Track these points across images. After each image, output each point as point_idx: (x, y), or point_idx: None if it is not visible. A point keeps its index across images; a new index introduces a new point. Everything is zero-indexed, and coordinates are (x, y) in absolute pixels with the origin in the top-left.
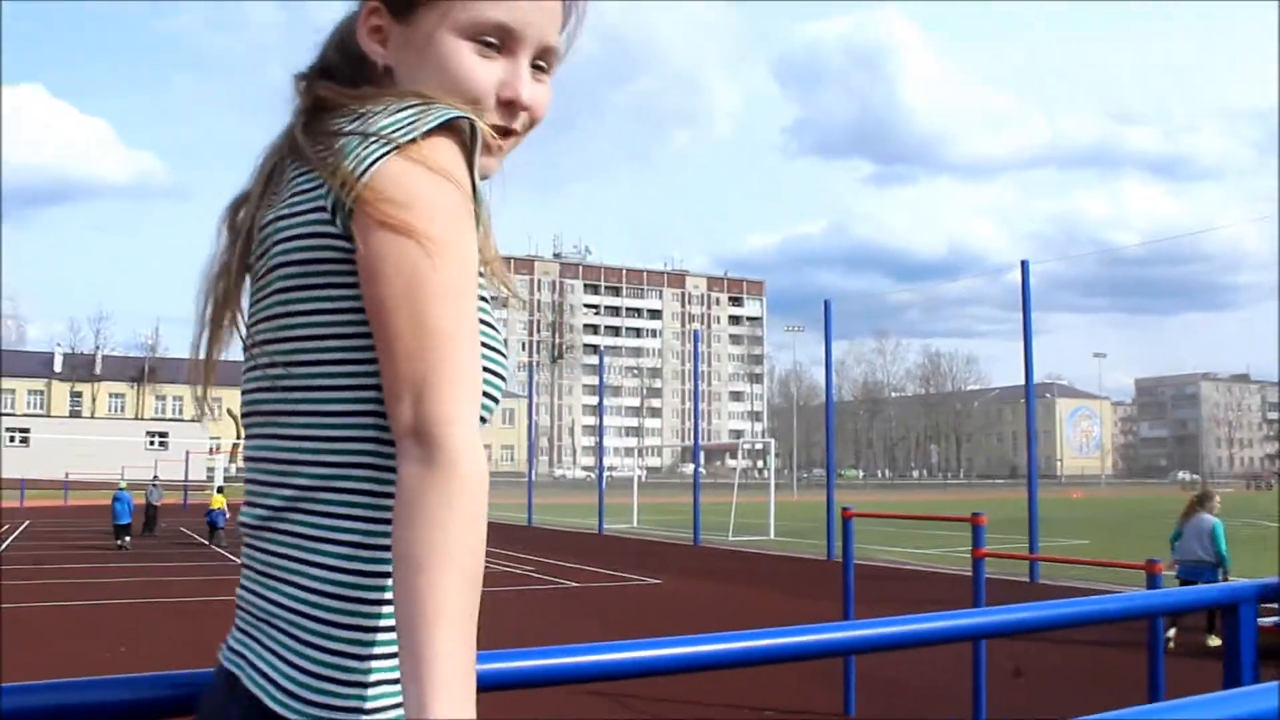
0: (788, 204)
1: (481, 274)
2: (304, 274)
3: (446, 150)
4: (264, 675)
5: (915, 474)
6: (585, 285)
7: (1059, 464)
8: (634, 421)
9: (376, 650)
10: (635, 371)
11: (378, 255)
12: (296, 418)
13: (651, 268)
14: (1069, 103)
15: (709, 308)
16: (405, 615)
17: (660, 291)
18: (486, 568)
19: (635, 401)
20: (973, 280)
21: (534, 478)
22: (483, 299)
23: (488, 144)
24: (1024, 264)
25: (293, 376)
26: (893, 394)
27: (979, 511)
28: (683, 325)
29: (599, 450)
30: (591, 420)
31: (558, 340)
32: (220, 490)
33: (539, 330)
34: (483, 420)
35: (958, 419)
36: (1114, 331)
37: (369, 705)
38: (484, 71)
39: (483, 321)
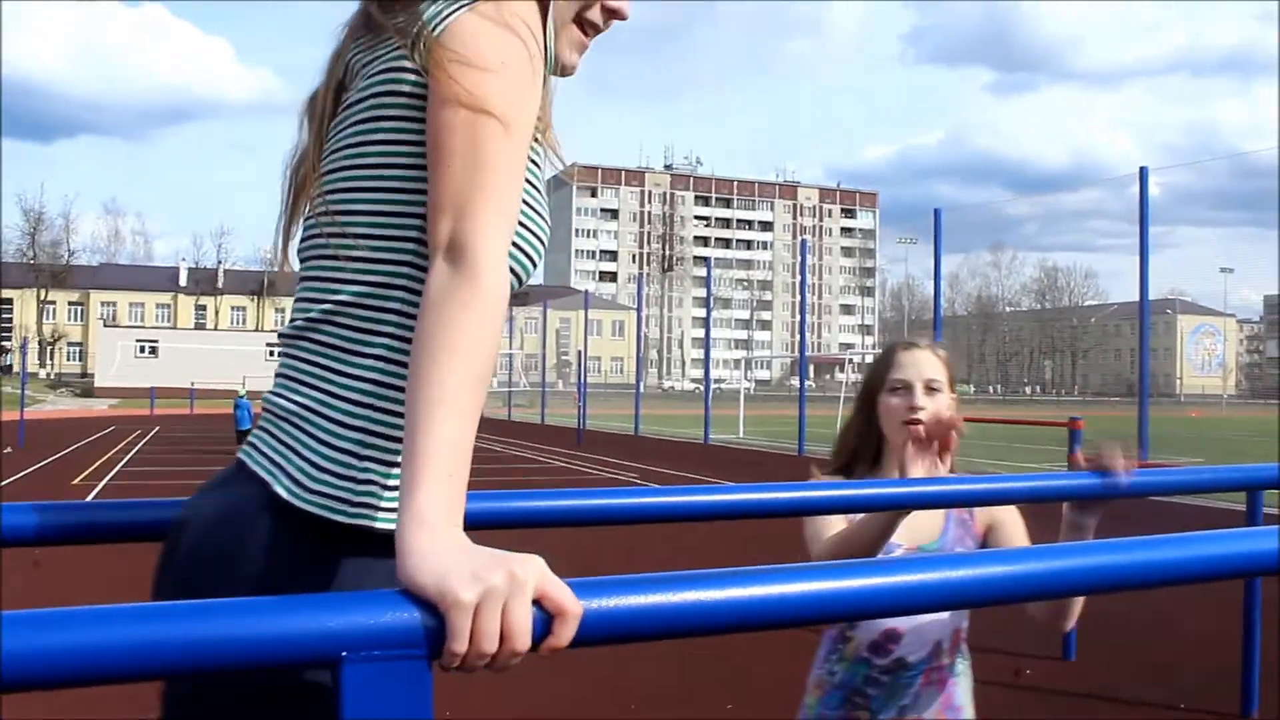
0: (904, 114)
1: (537, 140)
2: (377, 105)
3: (520, 5)
4: (273, 462)
5: (1029, 390)
6: (696, 197)
7: (1178, 382)
8: (743, 334)
9: (377, 455)
10: (745, 284)
11: (444, 92)
12: (345, 239)
13: (764, 179)
14: (1207, 3)
15: (820, 219)
16: (412, 399)
17: (772, 203)
18: (588, 473)
19: (745, 314)
20: (1093, 191)
21: (643, 389)
22: (534, 164)
23: (582, 40)
24: (1142, 171)
25: (348, 200)
26: (1007, 308)
27: (1077, 418)
28: (794, 237)
29: (706, 362)
30: (701, 333)
31: (668, 252)
32: None
33: (649, 242)
34: (518, 278)
35: (1074, 335)
36: (1245, 246)
37: (355, 499)
38: None
39: (530, 183)
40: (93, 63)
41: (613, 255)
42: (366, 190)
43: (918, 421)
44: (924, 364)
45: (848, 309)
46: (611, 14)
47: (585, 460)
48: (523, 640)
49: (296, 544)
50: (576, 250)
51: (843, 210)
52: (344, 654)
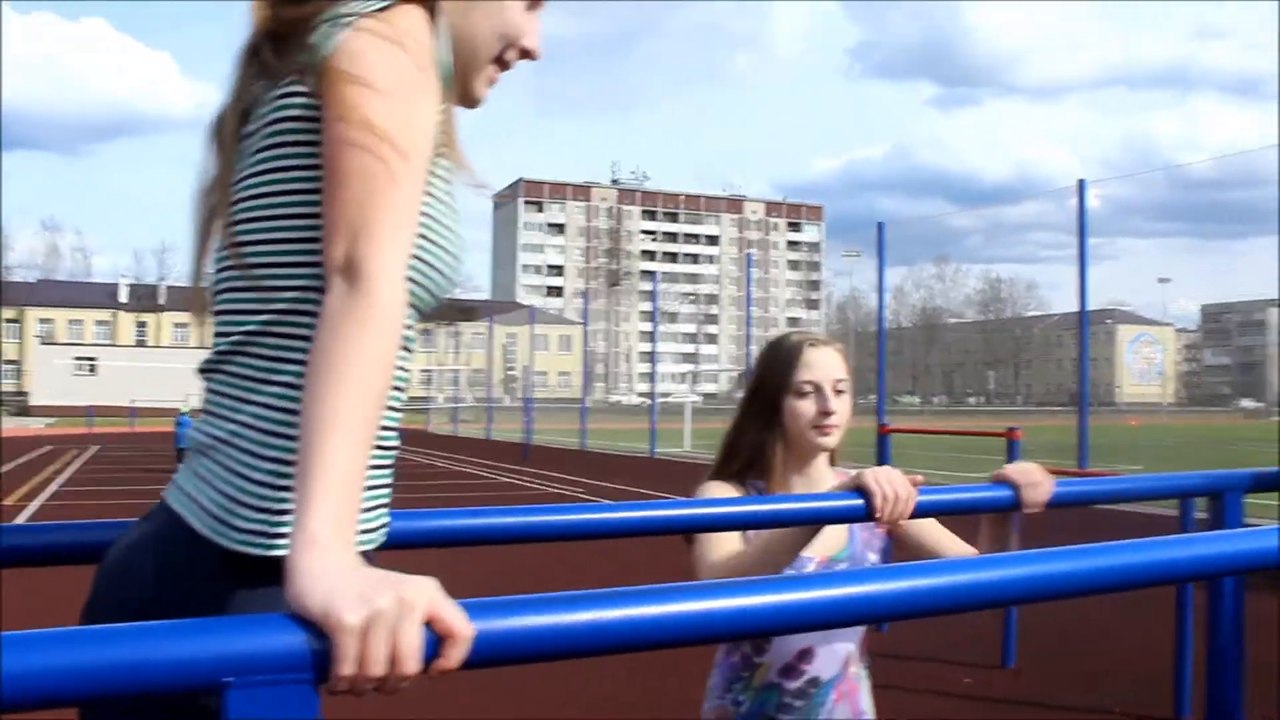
0: (849, 128)
1: (444, 166)
2: (273, 132)
3: (407, 18)
4: (189, 496)
5: (973, 400)
6: (643, 211)
7: (1118, 391)
8: (690, 347)
9: (294, 485)
10: (692, 297)
11: (335, 113)
12: (249, 270)
13: (710, 193)
14: (1145, 18)
15: (767, 233)
16: (305, 419)
17: (718, 217)
18: (533, 489)
19: (692, 328)
20: (1035, 204)
21: (590, 404)
22: (439, 179)
23: (495, 77)
24: (1081, 184)
25: (250, 231)
26: (952, 320)
27: (1015, 428)
28: (740, 250)
29: (652, 375)
30: (648, 346)
31: (614, 267)
32: None
33: (596, 257)
34: (431, 295)
35: (1017, 345)
36: (1182, 257)
37: (273, 531)
38: (527, 23)
39: (436, 198)
40: (30, 77)
41: (559, 270)
42: (267, 219)
43: (830, 427)
44: (832, 364)
45: (794, 322)
46: (525, 54)
47: (531, 475)
48: (411, 663)
49: (212, 578)
50: (523, 265)
51: (789, 224)
52: (228, 679)
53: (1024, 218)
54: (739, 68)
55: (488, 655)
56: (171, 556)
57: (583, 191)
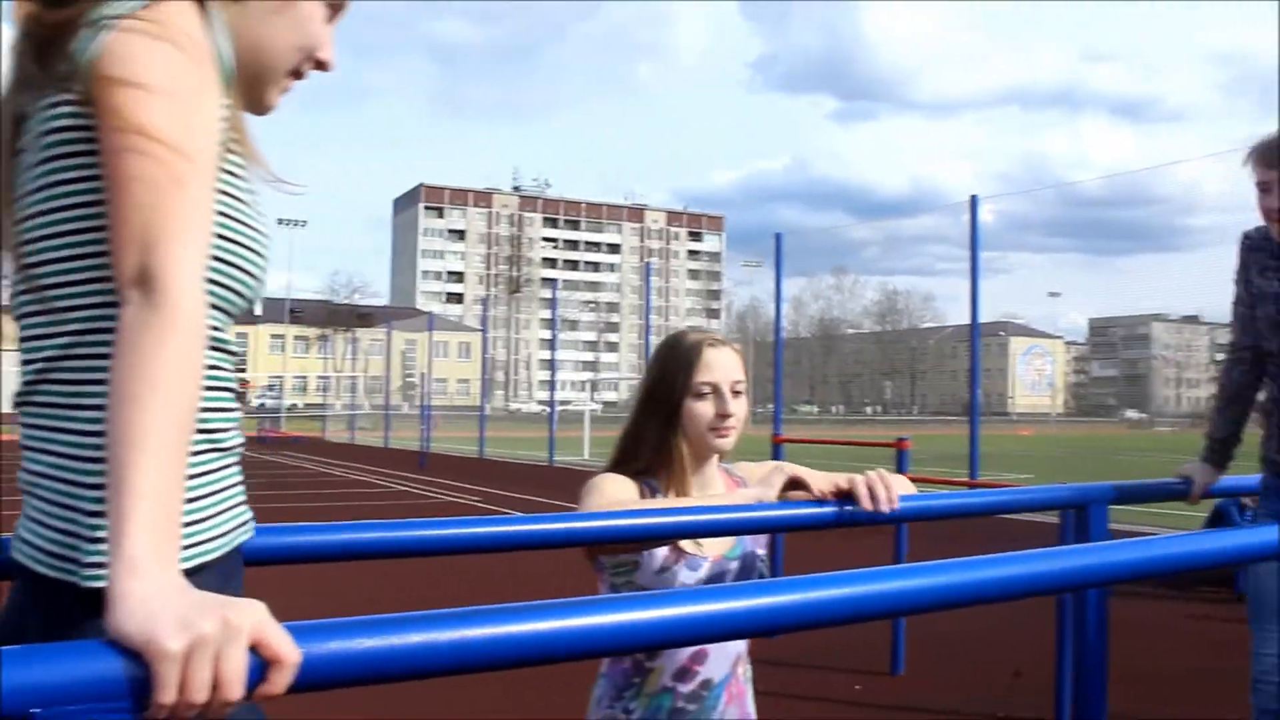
0: (750, 139)
1: (237, 163)
2: (46, 146)
3: (177, 14)
4: (30, 544)
5: (870, 410)
6: (544, 219)
7: (1010, 401)
8: (591, 355)
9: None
10: (593, 306)
11: (110, 120)
12: (41, 293)
13: (612, 202)
14: (1037, 40)
15: (668, 242)
16: (113, 441)
17: (620, 226)
18: (430, 498)
19: (592, 336)
20: (931, 218)
21: (488, 411)
22: (233, 176)
23: (288, 86)
24: (973, 199)
25: (37, 251)
26: (849, 330)
27: (904, 438)
28: (642, 260)
29: (551, 383)
30: (548, 354)
31: (515, 274)
32: None
33: (497, 264)
34: (241, 297)
35: (913, 356)
36: (1072, 272)
37: (105, 561)
38: (325, 34)
39: (233, 197)
40: None
41: (460, 277)
42: (51, 237)
43: (728, 429)
44: (730, 364)
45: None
46: (320, 65)
47: (428, 484)
48: (235, 689)
49: (77, 622)
50: (423, 271)
51: (690, 233)
52: (35, 710)
53: (921, 231)
54: (642, 77)
55: (315, 679)
56: (34, 613)
57: (484, 198)
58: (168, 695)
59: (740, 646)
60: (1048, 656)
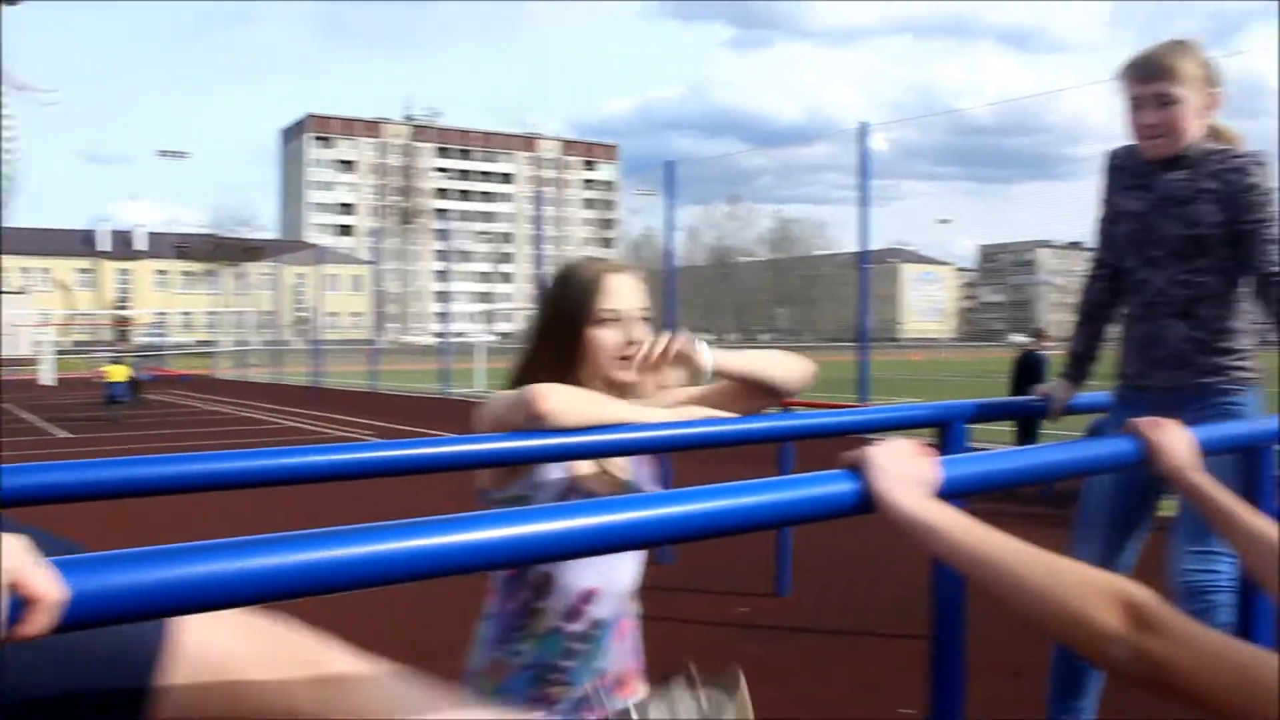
0: (645, 68)
1: None
2: None
3: None
4: None
5: (765, 337)
6: (436, 149)
7: (901, 327)
8: (486, 287)
9: None
10: (487, 236)
11: None
12: None
13: (505, 131)
14: None
15: (562, 171)
16: None
17: (513, 155)
18: (320, 432)
19: (487, 267)
20: (826, 146)
21: (382, 344)
22: None
23: None
24: (863, 126)
25: None
26: (744, 259)
27: None
28: (536, 189)
29: (445, 315)
30: (443, 286)
31: (407, 205)
32: (117, 362)
33: (388, 195)
34: None
35: (807, 283)
36: (962, 200)
37: None
38: None
39: None
40: None
41: (350, 208)
42: None
43: (633, 357)
44: (634, 291)
45: None
46: None
47: (319, 419)
48: None
49: None
50: (311, 203)
51: (584, 162)
52: None
53: (816, 159)
54: (535, 5)
55: (84, 616)
56: None
57: (374, 128)
58: None
59: (627, 583)
60: (916, 574)
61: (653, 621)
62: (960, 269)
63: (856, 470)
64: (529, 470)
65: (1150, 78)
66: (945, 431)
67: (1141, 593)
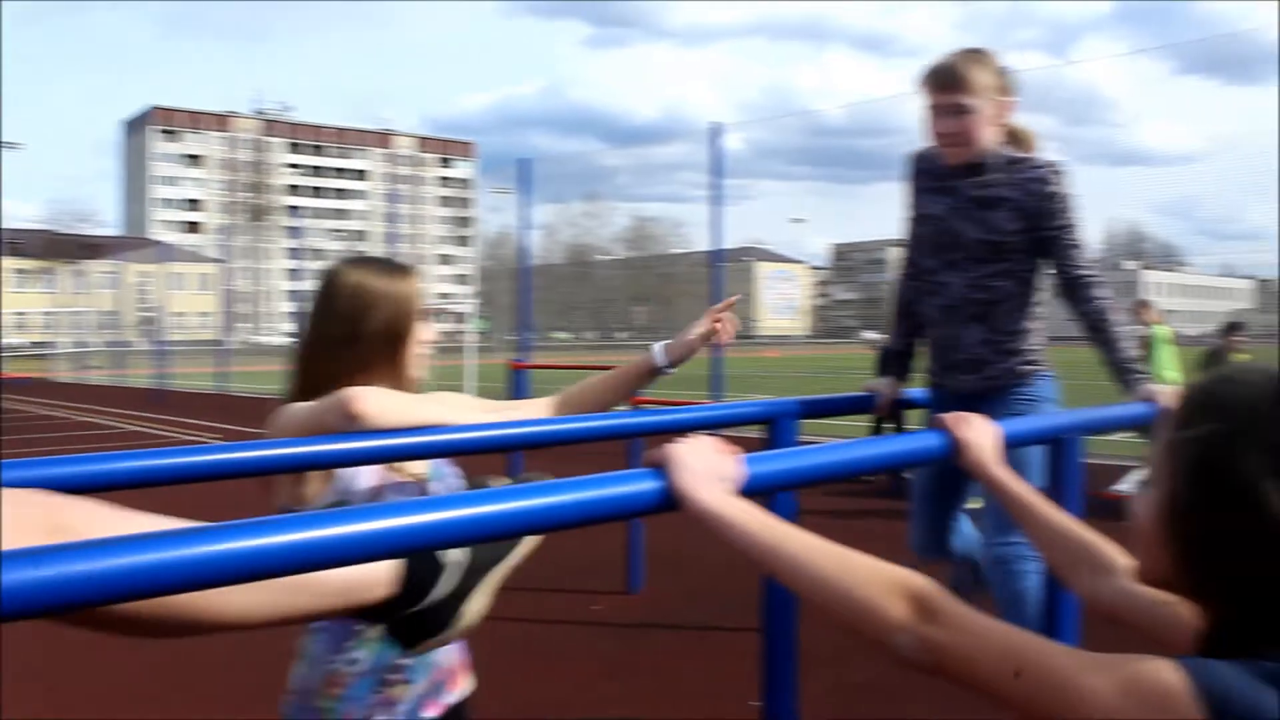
0: (502, 65)
1: None
2: None
3: None
4: None
5: (622, 335)
6: (288, 144)
7: (756, 325)
8: None
9: None
10: (341, 234)
11: None
12: None
13: (359, 127)
14: None
15: (418, 169)
16: None
17: (367, 152)
18: (164, 437)
19: None
20: (683, 145)
21: (232, 345)
22: None
23: None
24: (716, 126)
25: None
26: (601, 257)
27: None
28: (391, 187)
29: (297, 314)
30: (296, 285)
31: (258, 201)
32: None
33: (237, 191)
34: None
35: (664, 281)
36: (816, 199)
37: None
38: None
39: None
40: None
41: (198, 205)
42: None
43: (428, 356)
44: (424, 290)
45: (445, 259)
46: None
47: (165, 423)
48: None
49: None
50: (156, 199)
51: (440, 159)
52: None
53: (672, 158)
54: None
55: None
56: None
57: (223, 121)
58: None
59: None
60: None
61: (505, 623)
62: (814, 267)
63: (660, 468)
64: (332, 479)
65: (946, 87)
66: (773, 428)
67: (925, 584)
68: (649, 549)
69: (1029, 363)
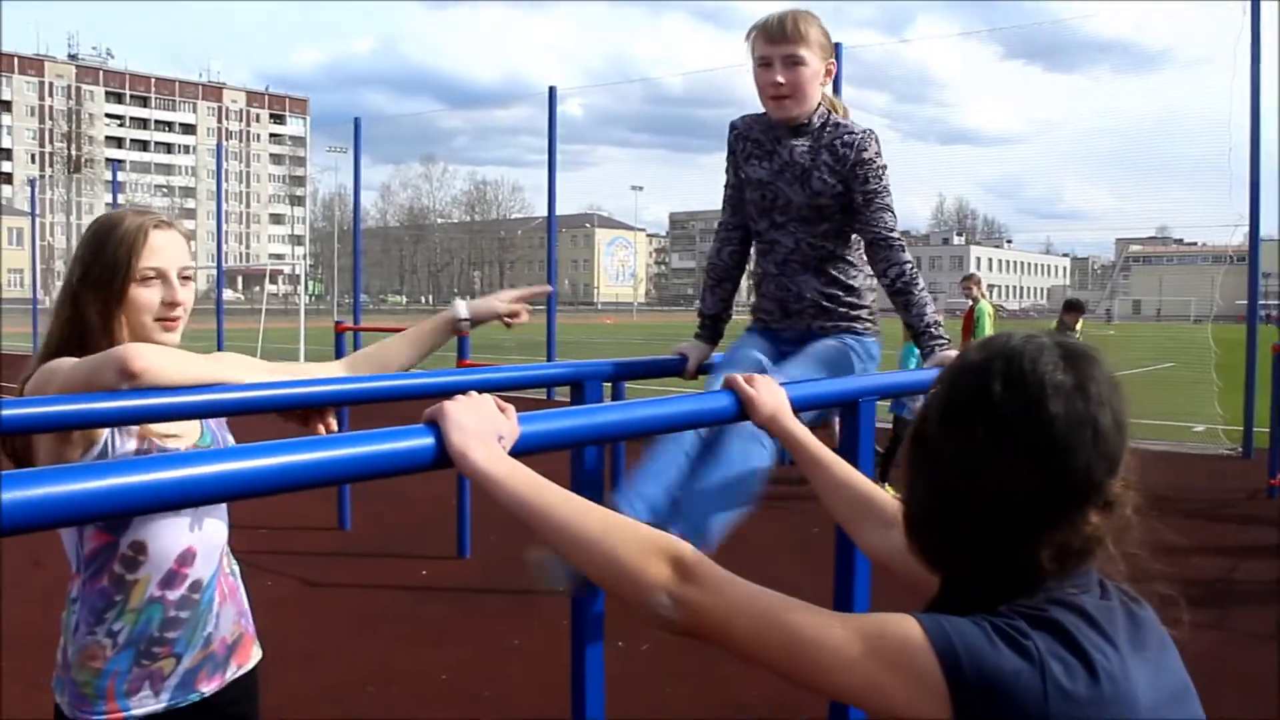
0: (335, 19)
1: None
2: None
3: None
4: None
5: (460, 300)
6: (108, 93)
7: (596, 291)
8: None
9: None
10: (165, 190)
11: None
12: None
13: (186, 78)
14: None
15: (248, 124)
16: None
17: (195, 105)
18: None
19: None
20: (523, 109)
21: (47, 303)
22: None
23: None
24: (551, 90)
25: None
26: (439, 220)
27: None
28: (220, 141)
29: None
30: None
31: (74, 153)
32: None
33: (52, 141)
34: None
35: (502, 246)
36: (656, 167)
37: None
38: None
39: None
40: None
41: (8, 154)
42: None
43: (175, 320)
44: (179, 249)
45: (278, 218)
46: None
47: None
48: None
49: None
50: None
51: (272, 116)
52: None
53: (513, 122)
54: None
55: None
56: None
57: (34, 65)
58: None
59: (222, 539)
60: None
61: (334, 588)
62: (652, 235)
63: (434, 425)
64: (92, 442)
65: (779, 39)
66: (580, 390)
67: (685, 547)
68: (477, 513)
69: (862, 320)
